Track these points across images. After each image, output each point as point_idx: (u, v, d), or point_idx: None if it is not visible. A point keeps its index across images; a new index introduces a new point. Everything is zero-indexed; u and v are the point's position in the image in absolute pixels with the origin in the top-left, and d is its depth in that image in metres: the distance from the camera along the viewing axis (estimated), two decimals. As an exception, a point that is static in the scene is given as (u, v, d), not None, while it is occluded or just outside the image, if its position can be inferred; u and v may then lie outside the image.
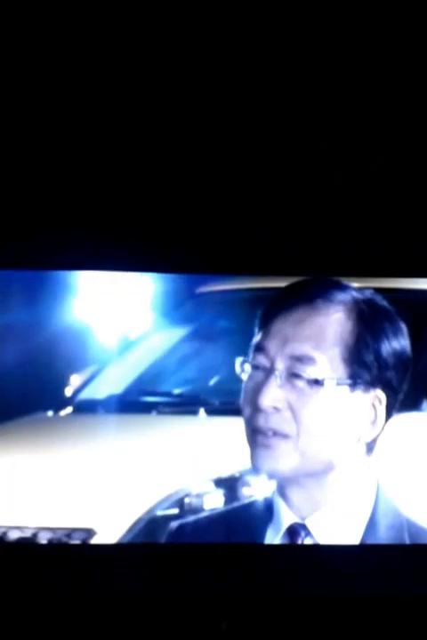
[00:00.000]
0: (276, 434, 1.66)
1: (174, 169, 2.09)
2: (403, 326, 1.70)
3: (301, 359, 1.67)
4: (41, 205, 2.07)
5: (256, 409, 1.67)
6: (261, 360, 1.70)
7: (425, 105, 2.06)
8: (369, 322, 1.68)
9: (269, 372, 1.68)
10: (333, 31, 1.97)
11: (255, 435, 1.68)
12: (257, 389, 1.68)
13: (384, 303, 1.72)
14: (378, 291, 1.77)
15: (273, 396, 1.67)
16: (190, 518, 1.86)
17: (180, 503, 1.93)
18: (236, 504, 1.88)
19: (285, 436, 1.66)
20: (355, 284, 1.77)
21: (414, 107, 2.06)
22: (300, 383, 1.68)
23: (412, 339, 1.72)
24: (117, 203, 2.10)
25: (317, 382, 1.68)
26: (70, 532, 1.94)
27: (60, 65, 1.97)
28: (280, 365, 1.67)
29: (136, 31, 1.92)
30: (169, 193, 2.11)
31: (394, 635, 1.90)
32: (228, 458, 1.94)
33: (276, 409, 1.67)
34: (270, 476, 1.73)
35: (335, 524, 1.69)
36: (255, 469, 1.73)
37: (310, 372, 1.68)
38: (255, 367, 1.71)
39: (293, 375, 1.68)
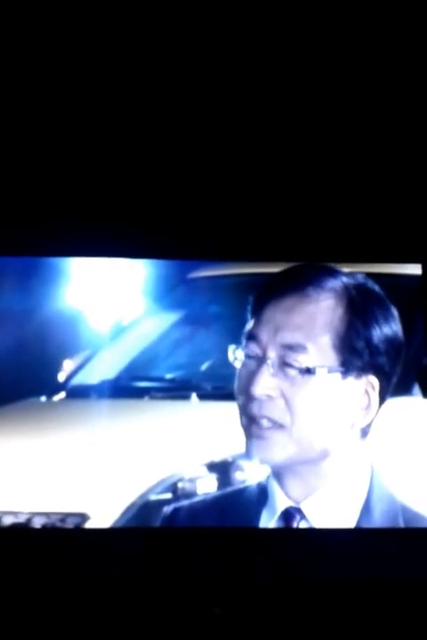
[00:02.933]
0: (270, 422, 1.67)
1: (167, 156, 2.09)
2: (394, 311, 1.71)
3: (292, 348, 1.68)
4: (33, 193, 2.07)
5: (250, 397, 1.68)
6: (254, 348, 1.70)
7: (416, 95, 2.07)
8: (359, 308, 1.69)
9: (261, 360, 1.69)
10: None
11: (250, 424, 1.69)
12: (250, 378, 1.69)
13: (375, 288, 1.73)
14: (369, 276, 1.78)
15: (266, 384, 1.68)
16: (184, 502, 1.87)
17: (173, 488, 1.94)
18: (230, 488, 1.90)
19: (279, 426, 1.67)
20: (346, 270, 1.79)
21: (405, 96, 2.07)
22: (292, 372, 1.68)
23: (404, 323, 1.74)
24: (109, 189, 2.09)
25: (308, 371, 1.68)
26: (64, 516, 1.94)
27: (54, 55, 1.95)
28: (272, 354, 1.68)
29: (130, 17, 1.91)
30: (161, 179, 2.11)
31: (389, 618, 1.93)
32: (220, 442, 1.95)
33: (269, 397, 1.67)
34: (265, 465, 1.75)
35: (330, 508, 1.70)
36: (250, 459, 1.74)
37: (301, 360, 1.68)
38: (248, 355, 1.71)
39: (285, 364, 1.68)
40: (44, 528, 1.94)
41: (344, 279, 1.72)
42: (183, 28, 1.93)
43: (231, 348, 1.75)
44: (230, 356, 1.75)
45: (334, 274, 1.74)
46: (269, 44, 1.97)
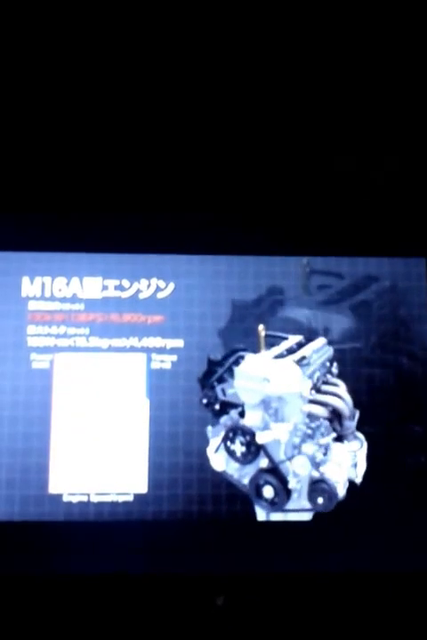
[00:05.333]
0: None
1: (161, 150, 2.09)
2: None
3: None
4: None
5: None
6: None
7: (418, 89, 2.07)
8: None
9: None
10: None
11: None
12: None
13: None
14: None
15: None
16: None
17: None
18: None
19: None
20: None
21: (407, 90, 2.07)
22: None
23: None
24: (103, 184, 2.11)
25: None
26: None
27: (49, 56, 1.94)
28: None
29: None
30: (156, 173, 2.12)
31: (388, 610, 1.96)
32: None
33: None
34: None
35: None
36: None
37: None
38: None
39: None
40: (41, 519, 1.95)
41: None
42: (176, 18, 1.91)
43: None
44: None
45: None
46: (265, 40, 1.96)
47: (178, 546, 1.93)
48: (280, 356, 1.99)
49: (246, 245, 2.11)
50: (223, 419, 1.99)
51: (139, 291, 2.05)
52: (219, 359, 2.02)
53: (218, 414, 1.99)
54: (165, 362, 2.02)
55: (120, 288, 2.05)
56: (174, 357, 2.03)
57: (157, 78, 1.96)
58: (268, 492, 1.92)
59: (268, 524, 1.95)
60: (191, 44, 1.88)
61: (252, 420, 1.95)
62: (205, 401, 1.99)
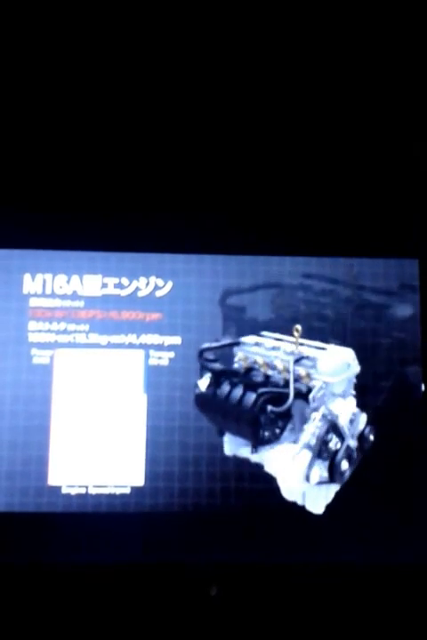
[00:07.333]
0: None
1: (160, 152, 2.12)
2: None
3: None
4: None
5: None
6: None
7: (414, 93, 2.08)
8: None
9: None
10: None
11: None
12: None
13: None
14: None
15: None
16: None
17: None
18: None
19: None
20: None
21: (403, 94, 2.09)
22: None
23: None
24: (103, 184, 2.15)
25: None
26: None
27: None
28: None
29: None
30: (155, 172, 2.15)
31: (386, 603, 2.00)
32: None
33: None
34: None
35: None
36: None
37: None
38: None
39: None
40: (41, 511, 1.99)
41: None
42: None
43: None
44: None
45: None
46: (267, 43, 1.97)
47: (173, 537, 1.98)
48: (320, 348, 2.01)
49: (244, 245, 2.13)
50: (310, 428, 1.89)
51: (137, 289, 2.09)
52: (260, 379, 1.96)
53: (277, 436, 1.90)
54: (163, 358, 2.06)
55: (119, 286, 2.09)
56: (172, 354, 2.07)
57: (157, 81, 1.99)
58: (344, 465, 1.92)
59: (262, 517, 1.99)
60: (191, 46, 1.91)
61: (341, 407, 1.94)
62: (267, 434, 1.88)
